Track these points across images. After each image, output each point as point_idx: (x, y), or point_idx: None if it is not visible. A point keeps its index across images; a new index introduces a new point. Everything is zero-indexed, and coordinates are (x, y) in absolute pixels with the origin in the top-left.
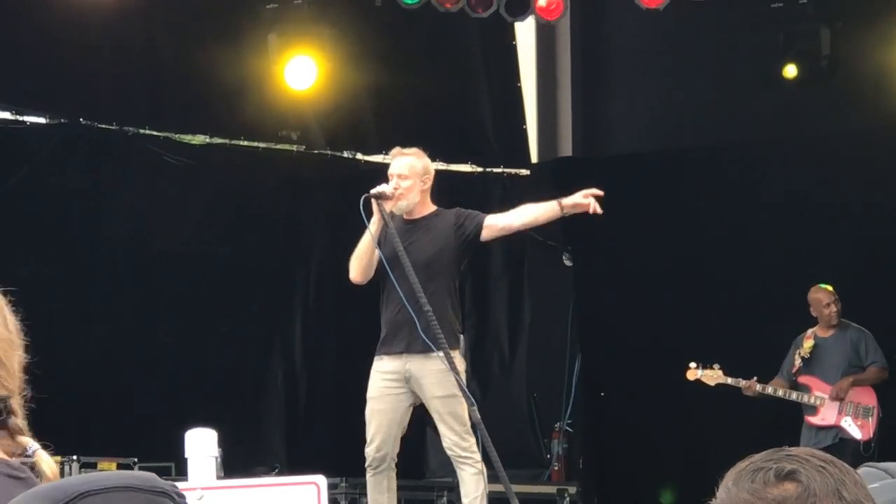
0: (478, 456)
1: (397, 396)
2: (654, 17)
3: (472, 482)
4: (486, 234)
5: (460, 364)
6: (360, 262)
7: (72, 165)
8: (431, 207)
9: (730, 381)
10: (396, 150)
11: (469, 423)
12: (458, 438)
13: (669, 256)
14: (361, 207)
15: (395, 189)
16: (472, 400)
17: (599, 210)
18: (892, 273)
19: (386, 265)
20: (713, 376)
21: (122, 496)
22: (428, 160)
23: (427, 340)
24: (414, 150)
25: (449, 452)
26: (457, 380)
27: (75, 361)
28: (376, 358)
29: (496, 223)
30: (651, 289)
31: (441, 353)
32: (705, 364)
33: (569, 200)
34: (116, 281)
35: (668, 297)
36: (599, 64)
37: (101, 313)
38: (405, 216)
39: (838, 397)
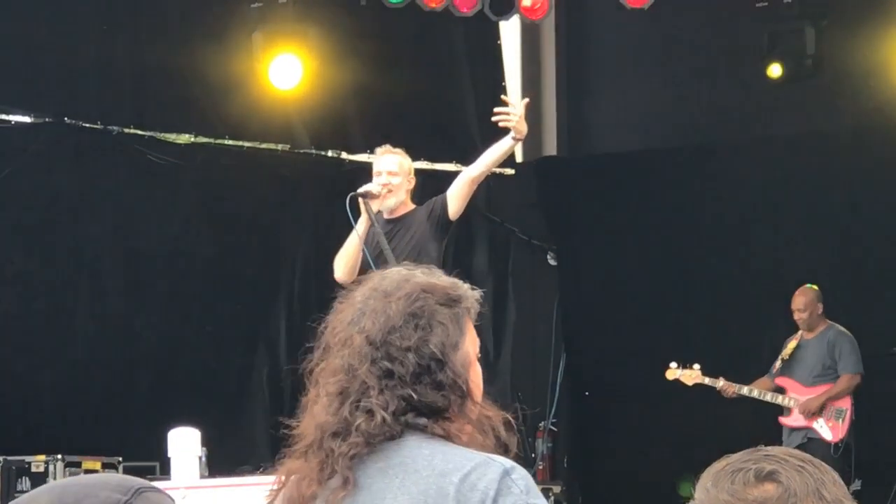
0: None
1: None
2: (638, 16)
3: None
4: (455, 205)
5: None
6: (347, 262)
7: (57, 165)
8: (411, 206)
9: (707, 381)
10: (386, 147)
11: None
12: None
13: (653, 255)
14: (348, 207)
15: (385, 185)
16: None
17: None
18: (876, 273)
19: (371, 263)
20: (691, 376)
21: (161, 496)
22: (410, 160)
23: None
24: (399, 150)
25: None
26: None
27: (60, 360)
28: None
29: (458, 183)
30: (635, 288)
31: None
32: (685, 364)
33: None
34: (101, 280)
35: (653, 296)
36: (584, 63)
37: (86, 312)
38: (386, 215)
39: (807, 414)
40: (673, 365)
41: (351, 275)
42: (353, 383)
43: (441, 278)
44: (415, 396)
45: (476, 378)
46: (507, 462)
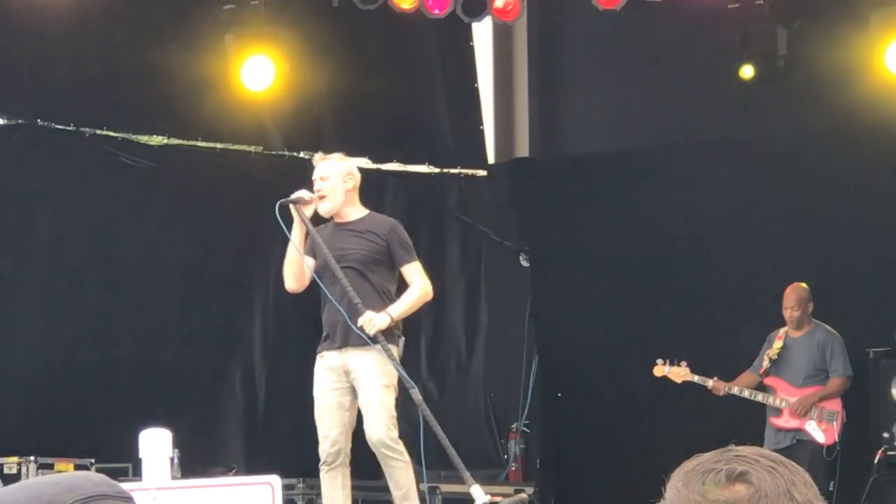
0: (402, 447)
1: (342, 390)
2: (611, 17)
3: (402, 472)
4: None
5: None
6: (292, 271)
7: (30, 166)
8: (363, 210)
9: (696, 378)
10: (319, 155)
11: (395, 415)
12: (385, 430)
13: (626, 257)
14: (277, 213)
15: (317, 192)
16: (412, 383)
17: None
18: (848, 273)
19: (316, 273)
20: (680, 373)
21: None
22: (351, 163)
23: (363, 335)
24: (336, 154)
25: (375, 446)
26: (397, 368)
27: (34, 362)
28: (318, 356)
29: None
30: (608, 289)
31: (378, 346)
32: (672, 361)
33: None
34: (76, 282)
35: (626, 297)
36: (556, 65)
37: (61, 314)
38: (336, 219)
39: (800, 413)
40: (660, 361)
41: (299, 283)
42: None
43: None
44: None
45: None
46: None
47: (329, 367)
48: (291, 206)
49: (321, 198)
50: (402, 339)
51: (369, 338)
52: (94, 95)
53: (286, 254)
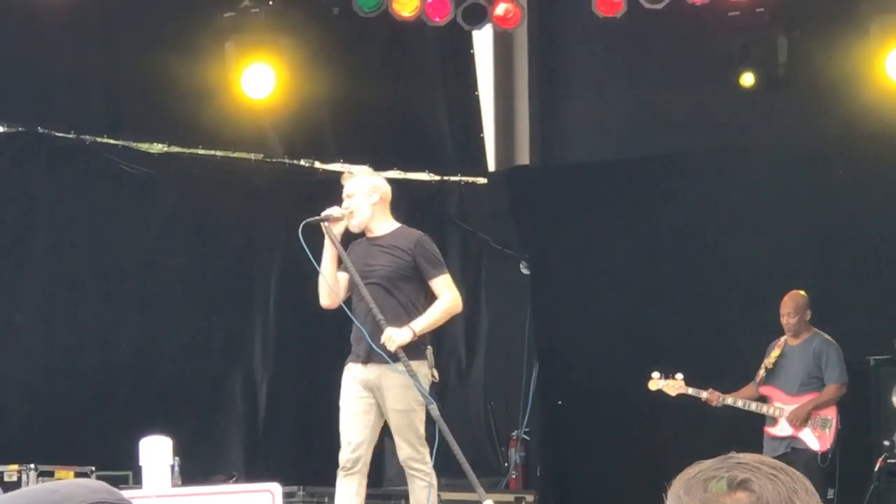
0: (429, 468)
1: (367, 400)
2: (611, 25)
3: (423, 494)
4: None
5: (428, 376)
6: (325, 290)
7: (30, 174)
8: (392, 224)
9: (691, 391)
10: (346, 172)
11: (423, 434)
12: (412, 451)
13: (627, 265)
14: (300, 232)
15: (345, 209)
16: (431, 399)
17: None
18: (849, 281)
19: (348, 286)
20: (675, 386)
21: None
22: (378, 178)
23: (383, 353)
24: (362, 168)
25: (403, 464)
26: (417, 387)
27: (34, 369)
28: (346, 368)
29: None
30: (609, 297)
31: (401, 366)
32: (667, 374)
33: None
34: (76, 289)
35: (626, 305)
36: (557, 72)
37: (61, 321)
38: (367, 234)
39: (797, 423)
40: (655, 375)
41: (332, 299)
42: None
43: None
44: None
45: None
46: None
47: (355, 378)
48: (322, 224)
49: (350, 213)
50: (430, 348)
51: (390, 355)
52: (95, 103)
53: (320, 273)
